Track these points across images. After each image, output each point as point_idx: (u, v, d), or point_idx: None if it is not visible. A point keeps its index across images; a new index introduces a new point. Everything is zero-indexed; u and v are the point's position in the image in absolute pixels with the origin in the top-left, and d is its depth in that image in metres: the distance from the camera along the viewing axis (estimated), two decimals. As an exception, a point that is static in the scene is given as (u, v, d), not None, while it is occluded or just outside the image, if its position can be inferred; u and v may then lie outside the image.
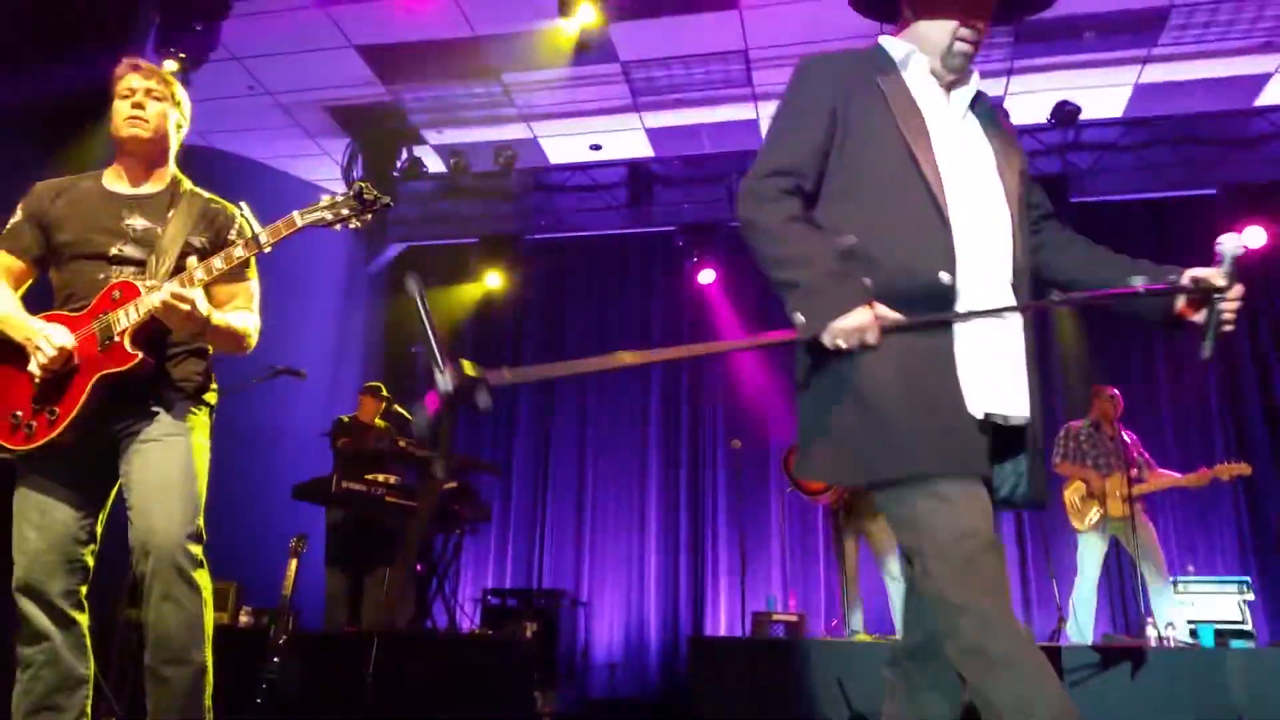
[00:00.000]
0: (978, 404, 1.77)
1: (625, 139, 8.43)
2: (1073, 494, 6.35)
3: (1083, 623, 6.12)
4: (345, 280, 8.83)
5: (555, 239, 9.25)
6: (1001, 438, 1.84)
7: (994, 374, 1.81)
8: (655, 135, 8.36)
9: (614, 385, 8.86)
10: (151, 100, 2.58)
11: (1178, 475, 6.24)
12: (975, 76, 2.00)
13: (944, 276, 1.78)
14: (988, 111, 2.04)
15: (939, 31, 1.93)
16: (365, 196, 2.39)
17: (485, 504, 6.75)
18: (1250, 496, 7.42)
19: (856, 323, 1.74)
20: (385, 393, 6.62)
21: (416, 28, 6.80)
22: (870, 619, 6.53)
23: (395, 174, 8.59)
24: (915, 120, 1.88)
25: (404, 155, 8.66)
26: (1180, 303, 1.84)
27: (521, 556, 8.67)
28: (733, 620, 7.99)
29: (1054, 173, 8.03)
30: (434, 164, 8.84)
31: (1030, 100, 7.65)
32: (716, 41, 7.04)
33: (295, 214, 2.39)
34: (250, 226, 2.41)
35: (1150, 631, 5.38)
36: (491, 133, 8.39)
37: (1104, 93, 7.65)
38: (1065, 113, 7.57)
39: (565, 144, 8.56)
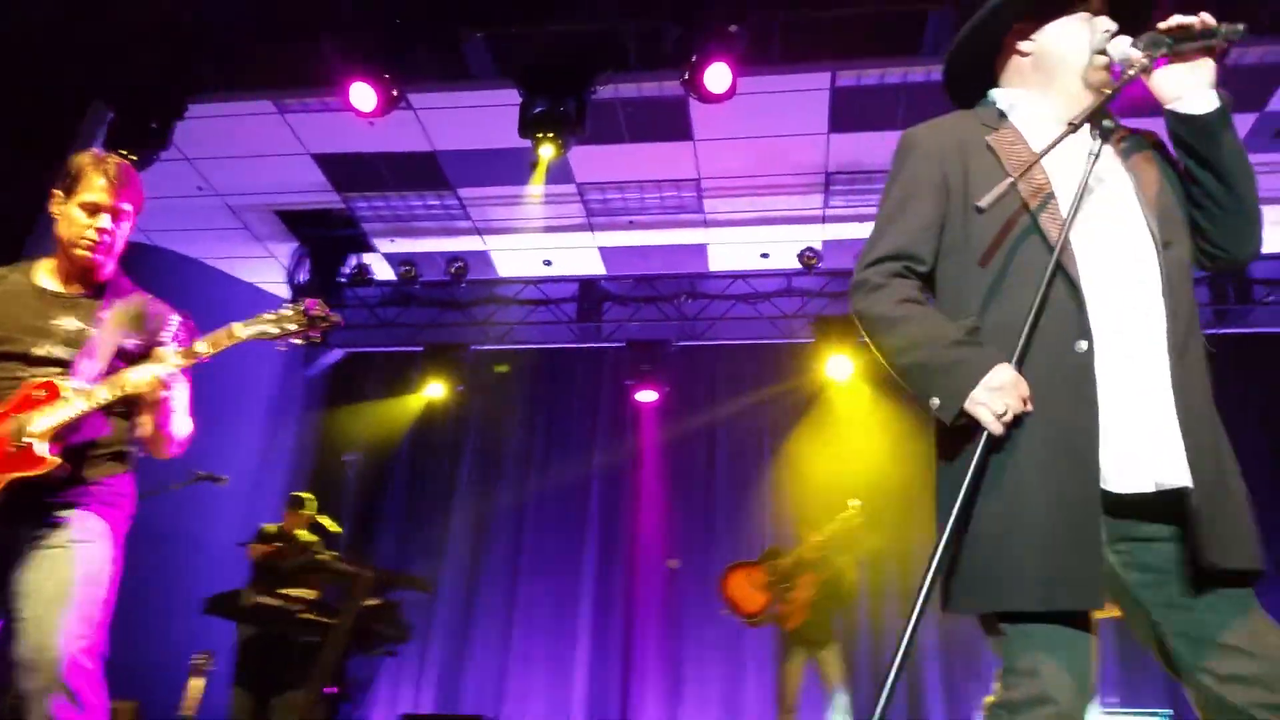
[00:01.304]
0: (1123, 480, 1.57)
1: (577, 256, 8.55)
2: None
3: None
4: (279, 383, 8.67)
5: (502, 350, 9.24)
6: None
7: (1143, 442, 1.59)
8: (607, 254, 8.50)
9: (553, 501, 8.73)
10: (121, 221, 2.49)
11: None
12: (1113, 118, 1.79)
13: (1080, 345, 1.59)
14: (1133, 139, 1.83)
15: (1070, 43, 1.80)
16: (313, 314, 2.35)
17: (407, 623, 6.50)
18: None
19: (1001, 379, 1.55)
20: (310, 504, 6.44)
21: (375, 139, 6.90)
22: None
23: (341, 280, 8.56)
24: (1034, 174, 1.70)
25: (352, 262, 8.65)
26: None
27: (443, 679, 8.31)
28: (665, 745, 7.73)
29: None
30: (382, 271, 8.85)
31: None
32: (671, 169, 7.25)
33: (236, 325, 2.35)
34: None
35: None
36: (444, 243, 8.45)
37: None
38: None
39: (517, 257, 8.64)
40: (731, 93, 5.69)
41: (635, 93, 6.42)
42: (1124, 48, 1.72)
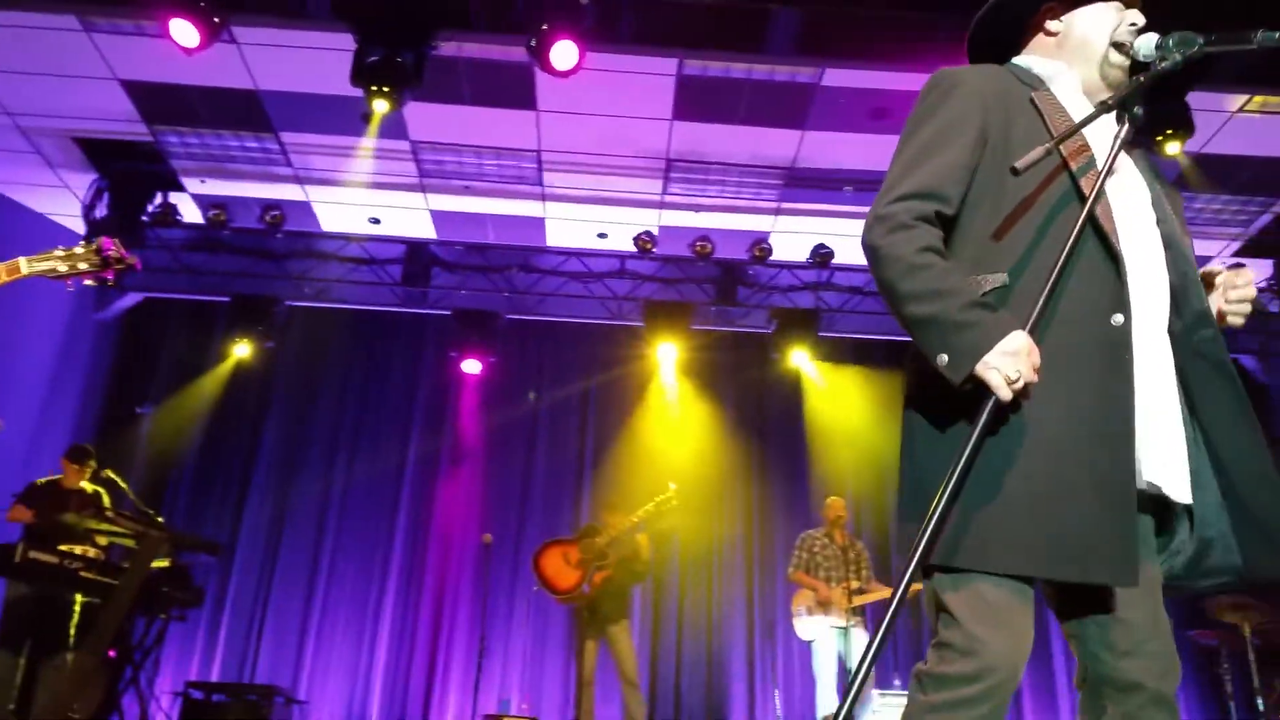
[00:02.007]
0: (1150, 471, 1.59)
1: (407, 216, 8.27)
2: (801, 603, 6.64)
3: None
4: (66, 326, 7.95)
5: (318, 308, 8.84)
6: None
7: (1161, 438, 1.62)
8: (439, 217, 8.26)
9: (364, 465, 8.44)
10: None
11: (886, 589, 6.69)
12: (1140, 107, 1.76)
13: (1117, 319, 1.57)
14: (1143, 149, 1.87)
15: (1096, 30, 1.79)
16: (109, 254, 2.15)
17: (199, 588, 6.15)
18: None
19: (1016, 345, 1.49)
20: (93, 456, 5.97)
21: (193, 71, 6.40)
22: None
23: (144, 219, 7.91)
24: (1079, 145, 1.68)
25: (157, 200, 8.01)
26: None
27: (235, 647, 7.92)
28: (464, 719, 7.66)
29: (807, 307, 8.66)
30: (190, 213, 8.24)
31: (793, 239, 8.24)
32: (512, 138, 7.11)
33: (21, 260, 2.12)
34: None
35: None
36: (261, 189, 7.96)
37: (856, 242, 8.36)
38: (821, 255, 8.21)
39: (341, 212, 8.27)
40: (577, 69, 5.64)
41: (480, 54, 6.25)
42: (1149, 46, 1.72)
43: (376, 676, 7.85)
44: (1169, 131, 5.96)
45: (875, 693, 6.51)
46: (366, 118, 6.60)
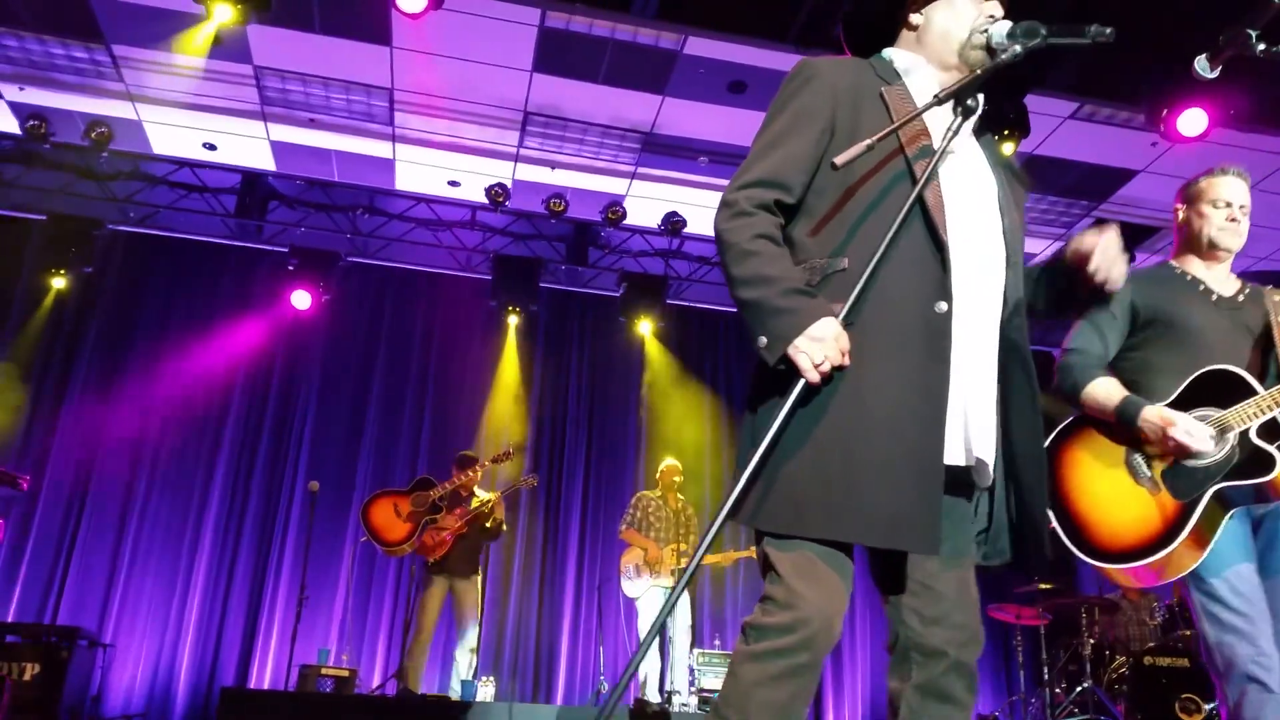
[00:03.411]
0: (958, 451, 1.67)
1: (245, 145, 7.80)
2: (629, 561, 6.75)
3: (650, 685, 6.49)
4: None
5: (143, 234, 8.26)
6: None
7: (977, 418, 1.71)
8: (280, 149, 7.84)
9: (183, 406, 7.98)
10: None
11: (712, 555, 6.90)
12: (980, 98, 1.82)
13: (940, 306, 1.65)
14: (990, 140, 1.91)
15: (954, 22, 1.83)
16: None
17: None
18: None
19: (824, 331, 1.59)
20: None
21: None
22: (430, 676, 6.43)
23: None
24: (919, 136, 1.75)
25: (-35, 102, 7.27)
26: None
27: (36, 586, 7.40)
28: (280, 672, 7.42)
29: (657, 274, 8.72)
30: (5, 122, 7.53)
31: (647, 205, 8.25)
32: (363, 72, 6.79)
33: None
34: None
35: (650, 694, 5.96)
36: (86, 103, 7.33)
37: (708, 212, 8.47)
38: (673, 223, 8.26)
39: (174, 134, 7.72)
40: (427, 11, 5.42)
41: (334, -18, 5.93)
42: (1001, 33, 1.76)
43: (189, 622, 7.51)
44: (1005, 131, 6.25)
45: (696, 652, 6.72)
46: (206, 34, 6.19)
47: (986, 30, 1.79)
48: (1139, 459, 2.51)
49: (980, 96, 1.79)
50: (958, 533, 1.75)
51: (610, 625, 7.92)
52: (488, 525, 6.56)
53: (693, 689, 6.44)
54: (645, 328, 8.73)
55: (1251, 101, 6.14)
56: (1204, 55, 2.02)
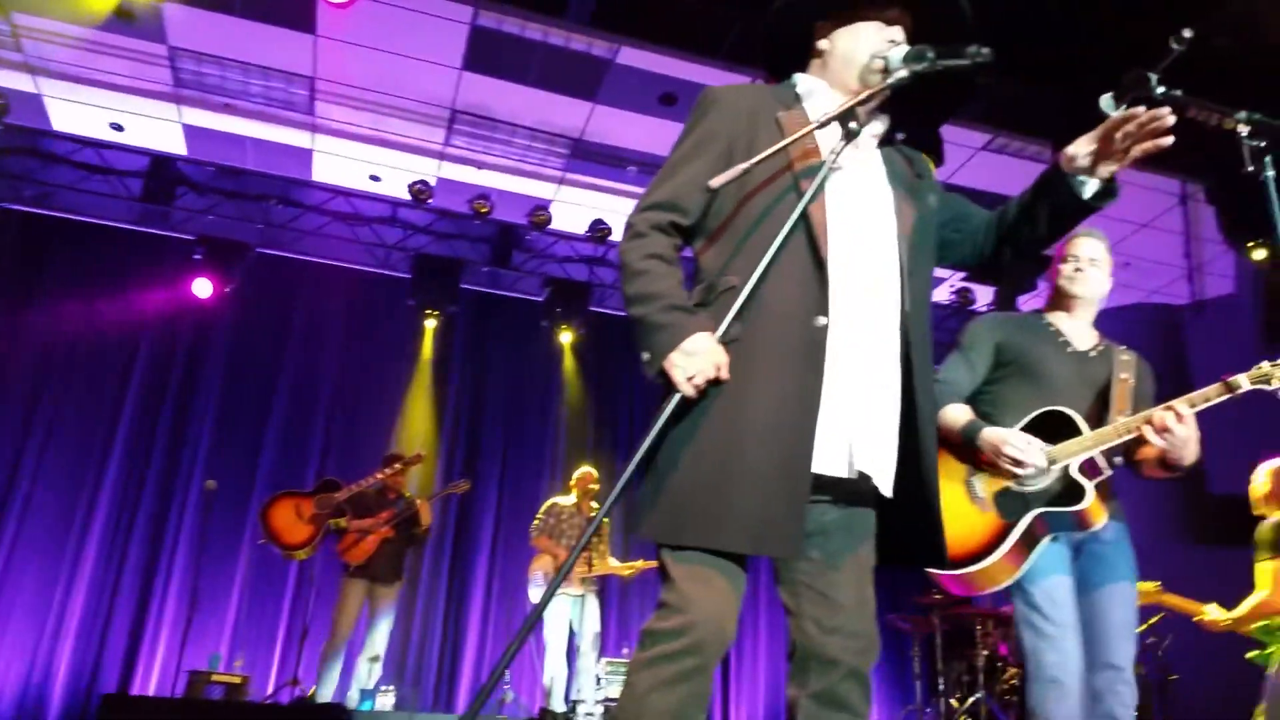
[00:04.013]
0: (837, 461, 1.71)
1: (155, 127, 7.53)
2: (539, 568, 6.70)
3: (555, 694, 6.43)
4: None
5: (39, 215, 7.89)
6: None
7: (864, 429, 1.75)
8: (193, 134, 7.58)
9: (77, 393, 7.62)
10: None
11: (618, 564, 6.89)
12: (884, 118, 1.94)
13: (819, 320, 1.71)
14: (898, 152, 1.99)
15: (856, 48, 1.89)
16: None
17: None
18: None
19: (696, 346, 1.67)
20: None
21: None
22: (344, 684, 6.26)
23: None
24: (809, 156, 1.80)
25: None
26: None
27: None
28: (167, 678, 7.13)
29: (581, 280, 8.71)
30: (-111, 85, 7.13)
31: (573, 211, 8.24)
32: (284, 59, 6.62)
33: None
34: None
35: (555, 703, 5.94)
36: (-20, 73, 6.99)
37: (633, 220, 8.49)
38: (599, 230, 8.26)
39: (78, 112, 7.40)
40: (353, 1, 5.31)
41: (258, -35, 5.78)
42: (897, 57, 1.82)
43: (70, 625, 7.13)
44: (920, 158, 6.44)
45: (604, 661, 6.70)
46: (118, 10, 5.97)
47: (884, 55, 1.85)
48: (976, 480, 2.75)
49: (865, 118, 1.87)
50: (857, 542, 1.81)
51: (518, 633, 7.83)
52: (415, 530, 6.44)
53: (599, 698, 6.42)
54: (567, 334, 8.70)
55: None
56: (1109, 94, 2.11)
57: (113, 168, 7.75)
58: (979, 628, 6.27)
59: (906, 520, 1.82)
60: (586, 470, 7.08)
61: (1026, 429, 2.72)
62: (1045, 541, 2.66)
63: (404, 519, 6.38)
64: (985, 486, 2.72)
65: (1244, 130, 1.96)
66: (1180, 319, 8.84)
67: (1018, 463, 2.58)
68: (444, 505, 8.13)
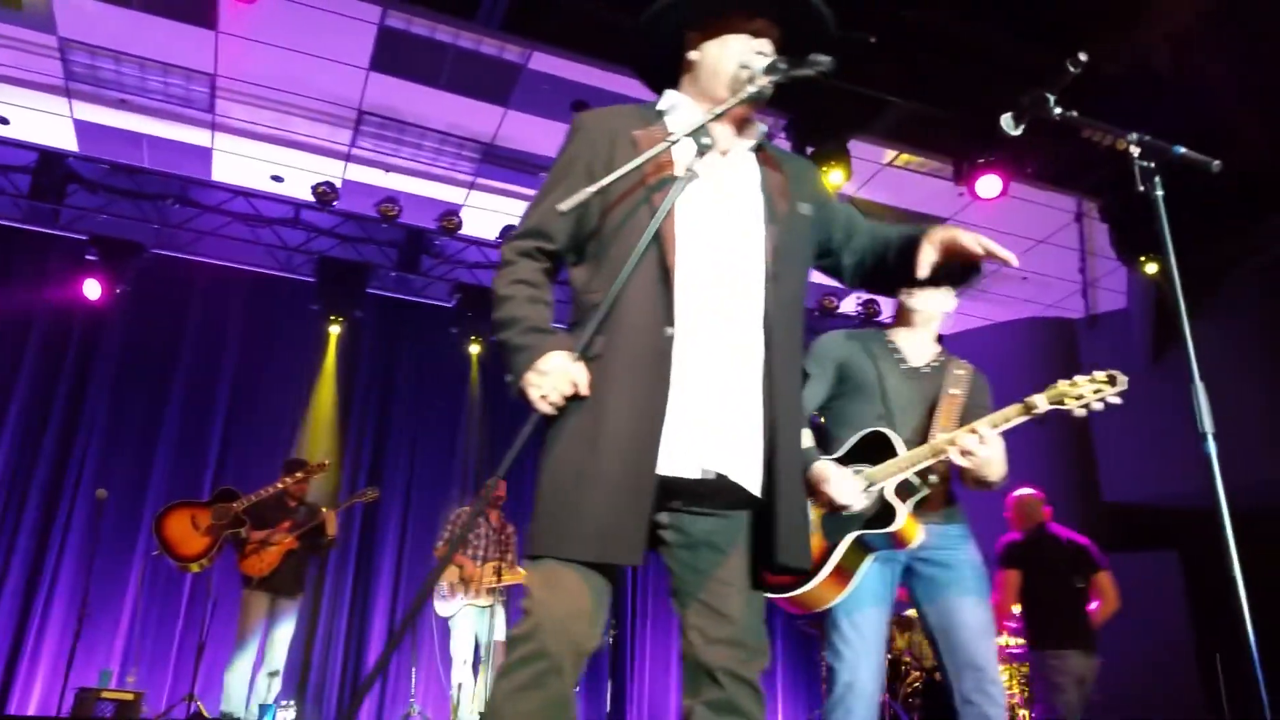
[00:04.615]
0: (687, 463, 1.74)
1: (44, 122, 7.18)
2: (444, 579, 6.58)
3: (462, 707, 6.30)
4: None
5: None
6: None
7: (715, 429, 1.77)
8: (85, 129, 7.25)
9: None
10: None
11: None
12: (758, 126, 1.98)
13: (668, 330, 1.75)
14: (781, 158, 2.02)
15: (724, 59, 1.90)
16: None
17: None
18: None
19: (549, 366, 1.74)
20: None
21: None
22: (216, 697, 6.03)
23: None
24: (662, 170, 1.84)
25: None
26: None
27: None
28: (52, 696, 6.77)
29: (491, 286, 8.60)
30: None
31: (484, 216, 8.14)
32: (183, 55, 6.39)
33: None
34: None
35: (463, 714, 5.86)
36: None
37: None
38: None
39: (-42, 103, 7.01)
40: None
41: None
42: (760, 66, 1.84)
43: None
44: (826, 171, 6.54)
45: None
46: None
47: (750, 66, 1.87)
48: (806, 504, 2.83)
49: (759, 124, 1.96)
50: (732, 549, 1.83)
51: (425, 646, 7.68)
52: (321, 541, 6.25)
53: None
54: (476, 341, 8.58)
55: (1046, 160, 6.71)
56: (1009, 114, 2.18)
57: (-3, 163, 7.35)
58: (883, 632, 6.37)
59: (768, 522, 1.81)
60: (495, 480, 6.99)
61: (852, 450, 2.80)
62: (869, 561, 2.71)
63: (309, 529, 6.19)
64: (813, 509, 2.73)
65: (1135, 151, 2.03)
66: (1075, 333, 9.22)
67: (833, 503, 2.67)
68: (348, 515, 7.92)
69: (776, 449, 1.80)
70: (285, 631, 6.11)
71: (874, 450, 2.77)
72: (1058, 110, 2.09)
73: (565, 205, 1.76)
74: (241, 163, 7.59)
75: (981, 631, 2.71)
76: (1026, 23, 5.60)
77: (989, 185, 6.43)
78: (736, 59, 1.90)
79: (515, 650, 1.67)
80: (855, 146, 6.58)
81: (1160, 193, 2.00)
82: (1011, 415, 2.63)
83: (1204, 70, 6.04)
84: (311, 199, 7.52)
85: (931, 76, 5.97)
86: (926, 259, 1.89)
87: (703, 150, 1.80)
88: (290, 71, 6.51)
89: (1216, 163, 2.00)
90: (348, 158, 7.47)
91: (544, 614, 1.67)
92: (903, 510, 2.67)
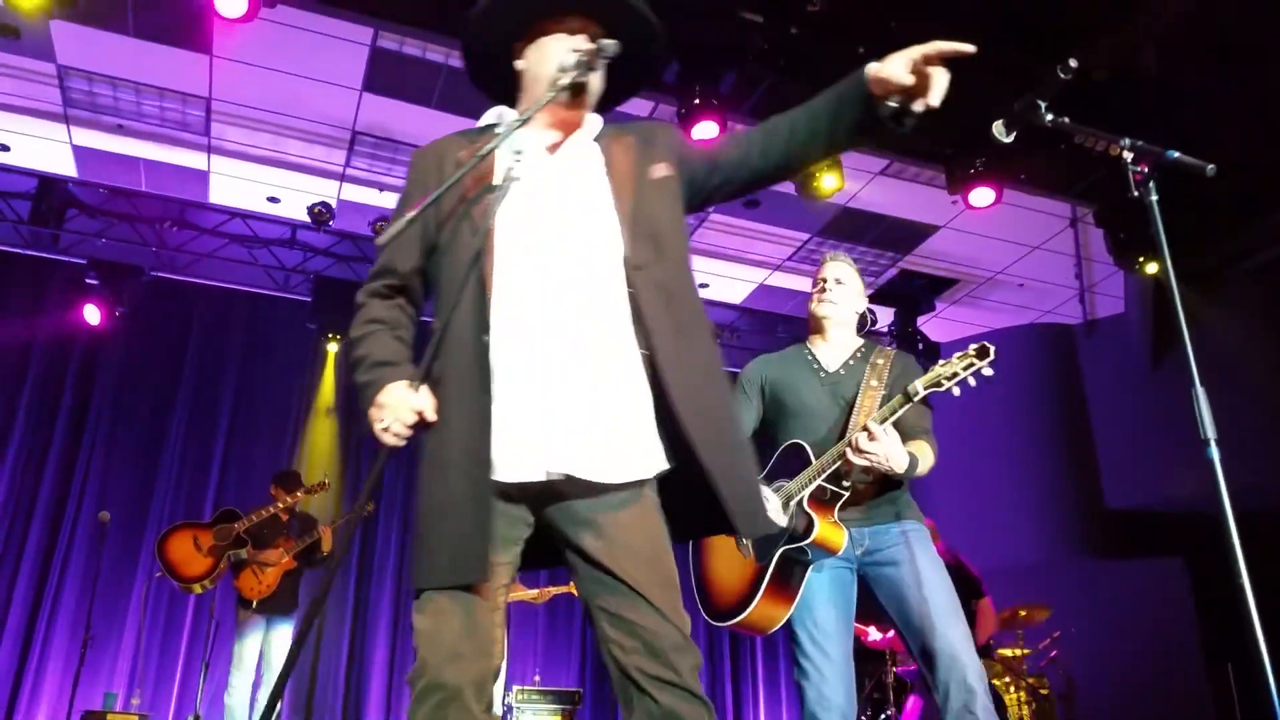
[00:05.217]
0: (528, 467, 1.71)
1: (43, 148, 7.20)
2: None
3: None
4: None
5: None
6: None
7: (557, 428, 1.71)
8: (83, 155, 7.28)
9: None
10: None
11: (530, 592, 6.79)
12: (594, 119, 1.96)
13: (484, 338, 1.74)
14: (626, 134, 1.96)
15: (545, 62, 1.89)
16: None
17: None
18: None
19: (387, 399, 1.73)
20: None
21: None
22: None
23: None
24: (482, 181, 1.83)
25: None
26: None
27: None
28: (58, 718, 6.76)
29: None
30: None
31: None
32: (179, 80, 6.43)
33: None
34: None
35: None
36: None
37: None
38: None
39: (-41, 132, 7.04)
40: (250, 18, 5.13)
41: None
42: (570, 62, 1.83)
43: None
44: (821, 175, 6.51)
45: (515, 689, 6.57)
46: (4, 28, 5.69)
47: (566, 64, 1.85)
48: None
49: (594, 118, 1.95)
50: (623, 534, 1.77)
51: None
52: (316, 556, 6.22)
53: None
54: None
55: (1039, 167, 6.72)
56: (1000, 121, 2.19)
57: (-2, 189, 7.37)
58: (888, 647, 6.35)
59: (695, 496, 1.74)
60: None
61: (774, 467, 2.79)
62: (810, 573, 2.70)
63: (305, 548, 6.17)
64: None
65: (1128, 156, 2.04)
66: (1073, 339, 9.21)
67: None
68: (349, 534, 7.89)
69: (681, 427, 1.71)
70: (282, 649, 6.08)
71: (788, 466, 2.77)
72: (1049, 117, 2.10)
73: (382, 239, 1.78)
74: (238, 185, 7.62)
75: (949, 612, 2.63)
76: (1016, 32, 5.62)
77: (982, 197, 6.44)
78: (555, 60, 1.87)
79: (413, 689, 1.65)
80: (848, 155, 6.61)
81: (1155, 198, 2.00)
82: (896, 405, 2.61)
83: (1191, 72, 6.05)
84: (307, 219, 7.54)
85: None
86: (897, 77, 1.73)
87: (519, 154, 1.80)
88: (284, 94, 6.54)
89: (1211, 167, 1.98)
90: (343, 178, 7.50)
91: (429, 647, 1.66)
92: (817, 519, 2.65)
